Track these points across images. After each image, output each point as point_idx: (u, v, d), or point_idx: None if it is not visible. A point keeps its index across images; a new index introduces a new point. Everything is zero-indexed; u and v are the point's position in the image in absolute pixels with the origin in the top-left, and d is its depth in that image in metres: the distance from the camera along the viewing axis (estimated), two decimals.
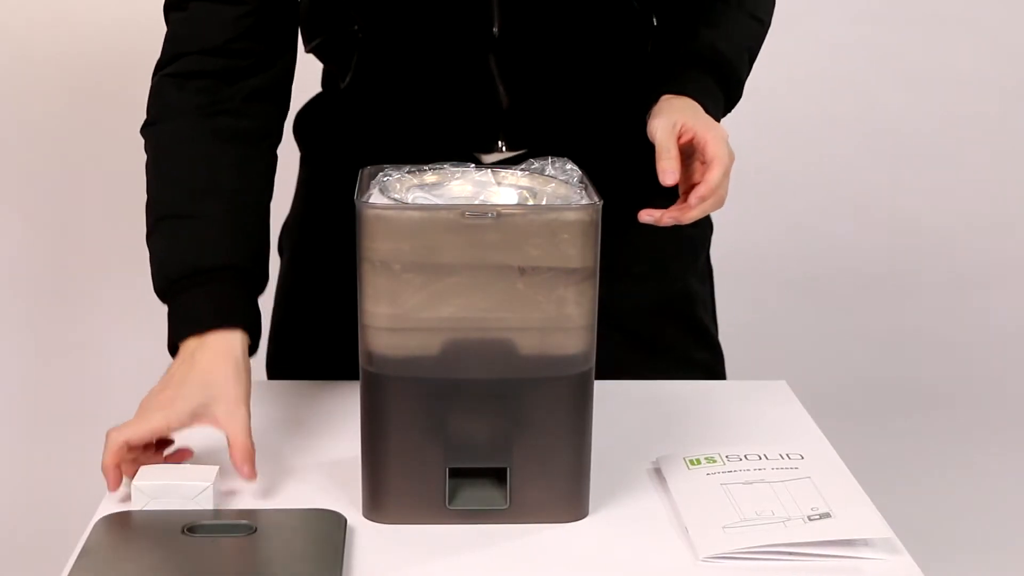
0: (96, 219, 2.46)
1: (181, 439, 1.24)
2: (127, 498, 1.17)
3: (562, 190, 1.18)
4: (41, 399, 2.51)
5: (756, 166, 2.53)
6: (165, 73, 1.34)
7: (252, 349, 1.26)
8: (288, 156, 1.58)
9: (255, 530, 1.11)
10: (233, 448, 1.18)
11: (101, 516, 1.14)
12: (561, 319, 1.12)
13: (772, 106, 2.50)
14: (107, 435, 1.18)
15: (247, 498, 1.20)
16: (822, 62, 2.51)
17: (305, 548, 1.09)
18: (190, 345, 1.22)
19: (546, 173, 1.20)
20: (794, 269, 2.59)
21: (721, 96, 1.36)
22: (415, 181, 1.18)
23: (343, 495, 1.20)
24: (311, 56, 1.50)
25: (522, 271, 1.10)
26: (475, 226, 1.09)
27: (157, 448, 1.22)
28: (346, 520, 1.14)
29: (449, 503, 1.15)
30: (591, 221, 1.10)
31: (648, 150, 1.52)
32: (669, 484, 1.23)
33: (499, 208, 1.10)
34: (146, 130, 1.35)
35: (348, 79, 1.44)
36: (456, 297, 1.11)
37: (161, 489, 1.15)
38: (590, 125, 1.46)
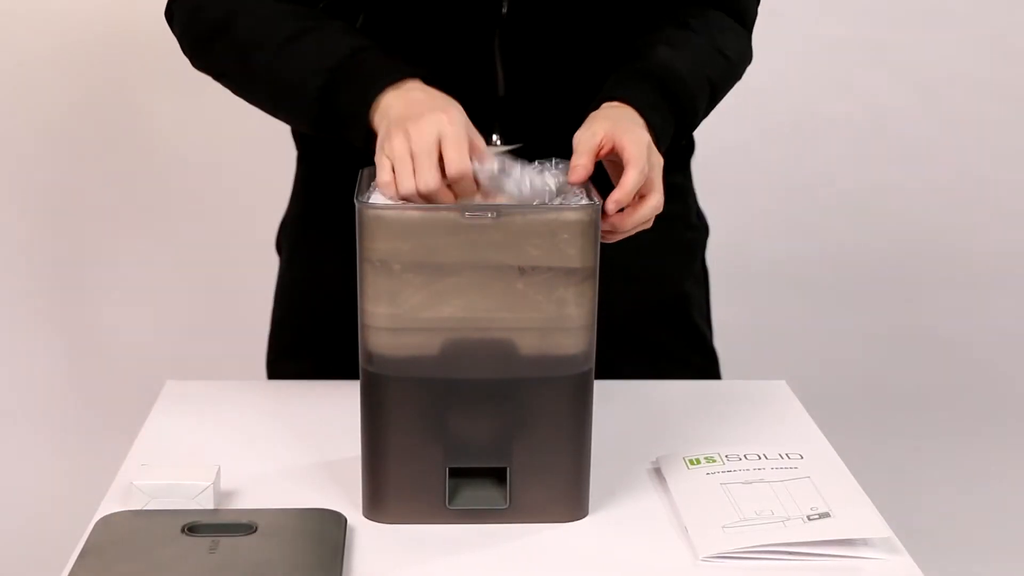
0: (96, 218, 2.46)
1: (183, 443, 1.23)
2: (127, 498, 1.17)
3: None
4: (41, 399, 2.51)
5: (756, 166, 2.54)
6: None
7: None
8: (286, 155, 1.58)
9: (255, 530, 1.11)
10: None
11: (101, 516, 1.14)
12: (561, 319, 1.12)
13: (772, 106, 2.50)
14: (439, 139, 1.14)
15: (247, 498, 1.20)
16: (822, 62, 2.50)
17: (305, 548, 1.09)
18: (392, 96, 1.20)
19: (545, 175, 1.20)
20: (794, 269, 2.59)
21: (671, 116, 1.30)
22: None
23: (343, 495, 1.20)
24: None
25: (522, 271, 1.10)
26: (475, 226, 1.09)
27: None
28: (346, 520, 1.14)
29: (449, 503, 1.15)
30: (591, 221, 1.11)
31: None
32: (669, 484, 1.23)
33: (499, 208, 1.11)
34: (217, 41, 1.33)
35: None
36: (456, 297, 1.11)
37: (161, 489, 1.15)
38: (583, 120, 1.44)
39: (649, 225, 1.22)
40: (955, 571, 2.33)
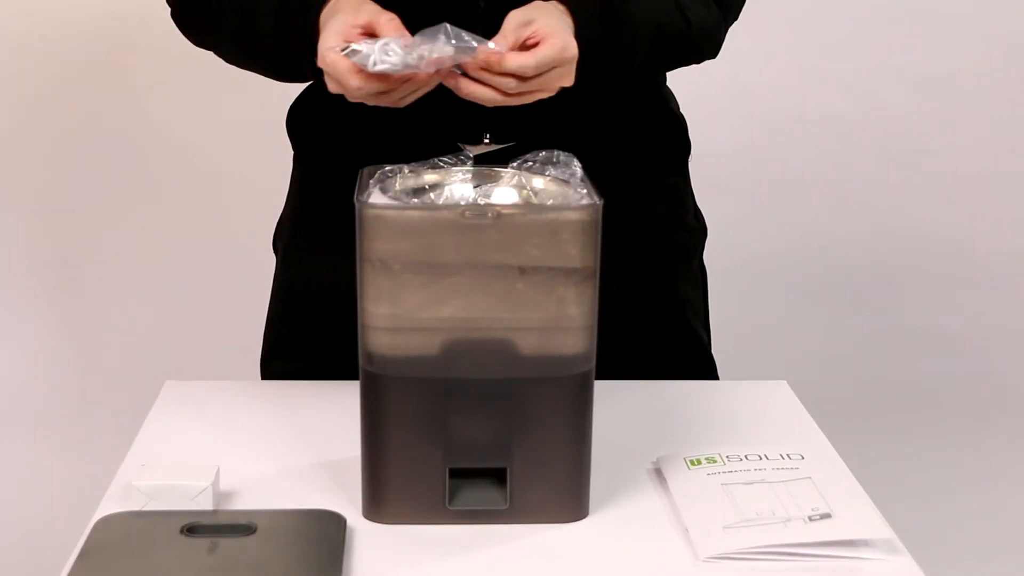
0: (95, 218, 2.46)
1: (182, 444, 1.23)
2: (126, 499, 1.17)
3: (553, 187, 1.17)
4: (40, 399, 2.51)
5: (757, 166, 2.54)
6: None
7: None
8: (283, 154, 1.58)
9: (255, 530, 1.11)
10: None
11: (100, 516, 1.14)
12: (561, 319, 1.12)
13: (772, 106, 2.50)
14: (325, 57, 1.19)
15: (247, 498, 1.20)
16: (821, 62, 2.51)
17: (305, 548, 1.09)
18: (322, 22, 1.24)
19: (546, 173, 1.19)
20: (794, 269, 2.59)
21: (600, 27, 1.28)
22: (412, 183, 1.18)
23: (343, 495, 1.20)
24: None
25: (522, 271, 1.10)
26: (475, 226, 1.09)
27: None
28: (346, 520, 1.14)
29: (449, 503, 1.15)
30: (591, 221, 1.10)
31: (640, 148, 1.51)
32: (669, 484, 1.23)
33: (499, 208, 1.10)
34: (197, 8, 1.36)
35: None
36: (456, 297, 1.10)
37: (161, 489, 1.15)
38: (577, 119, 1.43)
39: (541, 93, 1.22)
40: (956, 572, 2.33)
